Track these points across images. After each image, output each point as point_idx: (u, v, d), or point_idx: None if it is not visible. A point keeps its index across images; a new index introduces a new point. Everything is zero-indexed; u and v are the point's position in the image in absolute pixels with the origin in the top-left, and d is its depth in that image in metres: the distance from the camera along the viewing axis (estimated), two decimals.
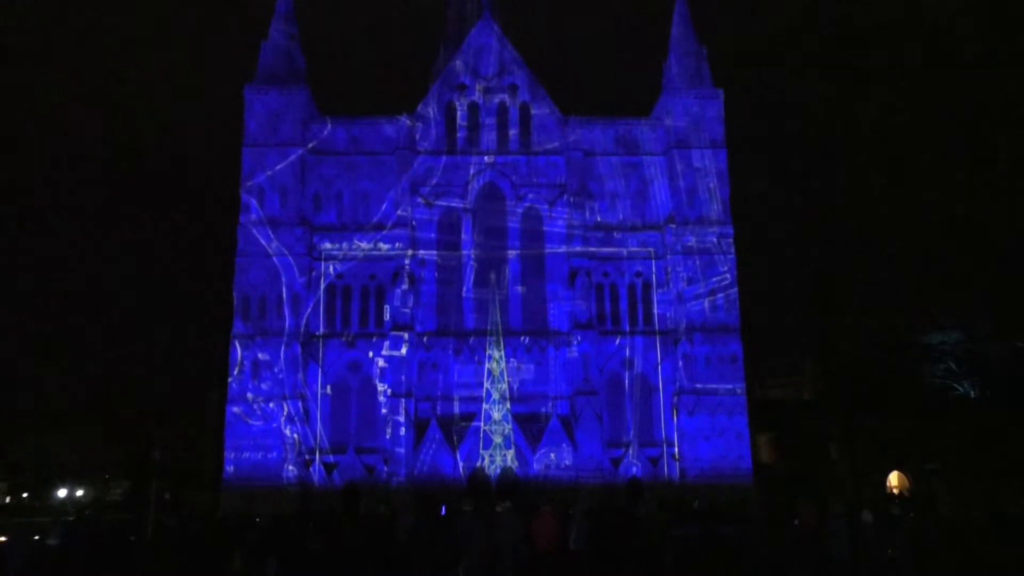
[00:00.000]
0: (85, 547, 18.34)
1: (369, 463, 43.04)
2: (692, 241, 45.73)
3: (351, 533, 19.93)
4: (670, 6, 50.73)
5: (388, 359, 44.28)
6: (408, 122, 47.40)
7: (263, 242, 44.44)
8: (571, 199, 46.79)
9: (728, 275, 45.47)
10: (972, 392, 58.40)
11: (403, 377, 43.68)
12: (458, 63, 49.04)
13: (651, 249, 46.91)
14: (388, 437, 43.00)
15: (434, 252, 46.62)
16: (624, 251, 47.00)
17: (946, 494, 44.94)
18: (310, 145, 46.52)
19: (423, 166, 47.14)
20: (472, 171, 47.37)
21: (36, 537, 22.19)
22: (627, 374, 45.82)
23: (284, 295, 44.02)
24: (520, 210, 47.33)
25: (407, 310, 44.59)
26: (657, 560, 18.86)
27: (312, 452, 43.33)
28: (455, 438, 43.13)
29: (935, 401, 55.98)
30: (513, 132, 48.21)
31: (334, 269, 45.77)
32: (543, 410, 44.38)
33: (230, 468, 42.11)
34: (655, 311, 46.40)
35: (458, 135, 48.10)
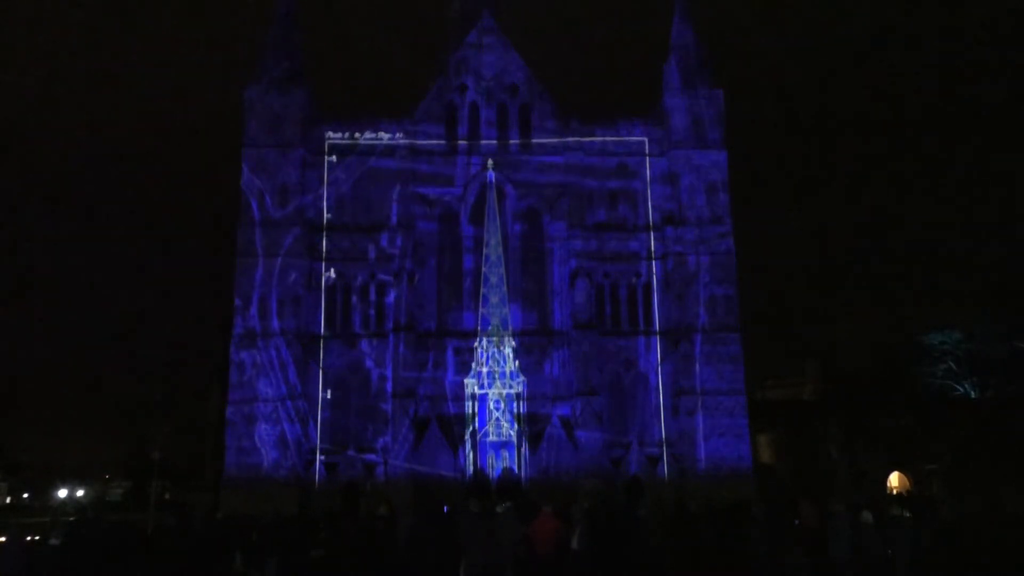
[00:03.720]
0: (85, 547, 18.33)
1: (369, 463, 43.06)
2: (692, 241, 45.72)
3: (351, 533, 19.92)
4: (670, 6, 50.79)
5: (388, 359, 44.32)
6: (408, 122, 47.45)
7: (263, 242, 44.44)
8: (571, 199, 46.82)
9: (728, 275, 45.48)
10: (972, 392, 58.54)
11: (403, 377, 43.71)
12: (458, 63, 49.03)
13: (651, 249, 46.92)
14: (388, 437, 43.07)
15: (435, 252, 46.65)
16: (624, 251, 46.99)
17: (946, 494, 44.94)
18: (310, 146, 46.55)
19: (423, 166, 47.15)
20: (472, 172, 47.38)
21: (36, 537, 22.22)
22: (627, 374, 45.84)
23: (284, 295, 44.02)
24: (520, 210, 47.37)
25: (407, 310, 44.62)
26: (657, 560, 18.86)
27: (312, 452, 43.35)
28: (455, 438, 43.15)
29: (935, 401, 56.10)
30: (513, 132, 48.20)
31: (334, 269, 45.80)
32: (543, 410, 44.35)
33: (230, 468, 42.12)
34: (655, 311, 46.37)
35: (458, 135, 48.09)
